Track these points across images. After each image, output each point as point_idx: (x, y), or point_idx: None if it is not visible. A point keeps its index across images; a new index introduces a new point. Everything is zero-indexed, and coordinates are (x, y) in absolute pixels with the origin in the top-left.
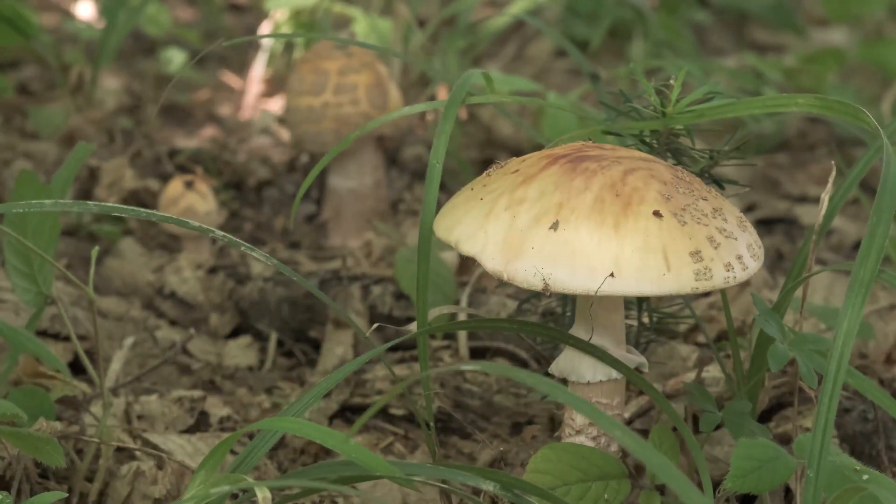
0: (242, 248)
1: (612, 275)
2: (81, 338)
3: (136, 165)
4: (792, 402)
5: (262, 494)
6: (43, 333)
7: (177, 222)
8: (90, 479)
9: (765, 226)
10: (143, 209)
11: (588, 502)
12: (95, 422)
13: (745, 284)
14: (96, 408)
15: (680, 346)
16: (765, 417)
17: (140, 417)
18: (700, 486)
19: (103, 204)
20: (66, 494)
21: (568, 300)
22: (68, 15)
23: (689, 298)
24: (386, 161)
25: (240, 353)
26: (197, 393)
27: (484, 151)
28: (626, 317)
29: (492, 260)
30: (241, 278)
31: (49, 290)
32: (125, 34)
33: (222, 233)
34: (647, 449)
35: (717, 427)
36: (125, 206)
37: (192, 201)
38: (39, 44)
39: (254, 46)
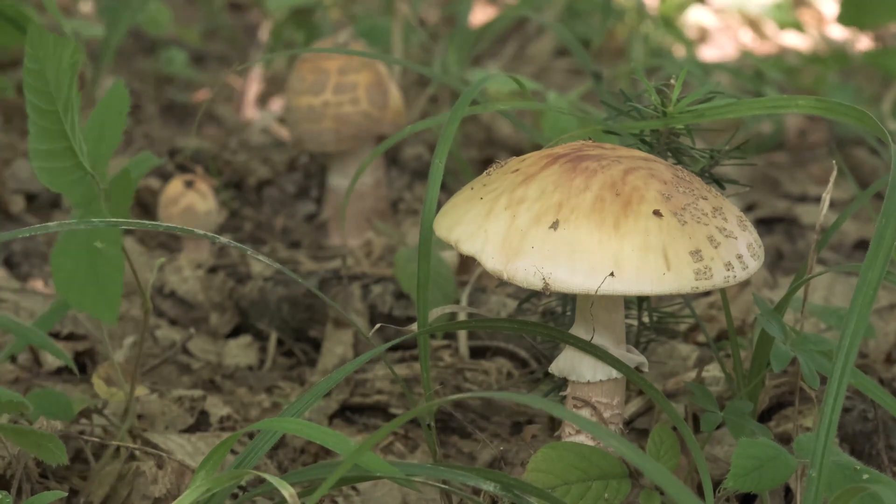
0: (248, 253)
1: (612, 274)
2: (82, 338)
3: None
4: (792, 402)
5: (288, 492)
6: None
7: (181, 231)
8: (85, 478)
9: (765, 225)
10: (148, 222)
11: (588, 502)
12: (104, 422)
13: (745, 284)
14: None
15: (680, 346)
16: (765, 417)
17: (140, 417)
18: (700, 485)
19: (110, 220)
20: (66, 494)
21: (568, 299)
22: (68, 15)
23: (689, 298)
24: (386, 160)
25: (240, 352)
26: (197, 392)
27: (484, 151)
28: (626, 316)
29: (492, 259)
30: (241, 278)
31: None
32: (125, 34)
33: (226, 239)
34: (642, 456)
35: (718, 427)
36: (131, 220)
37: (192, 201)
38: None
39: (254, 46)
